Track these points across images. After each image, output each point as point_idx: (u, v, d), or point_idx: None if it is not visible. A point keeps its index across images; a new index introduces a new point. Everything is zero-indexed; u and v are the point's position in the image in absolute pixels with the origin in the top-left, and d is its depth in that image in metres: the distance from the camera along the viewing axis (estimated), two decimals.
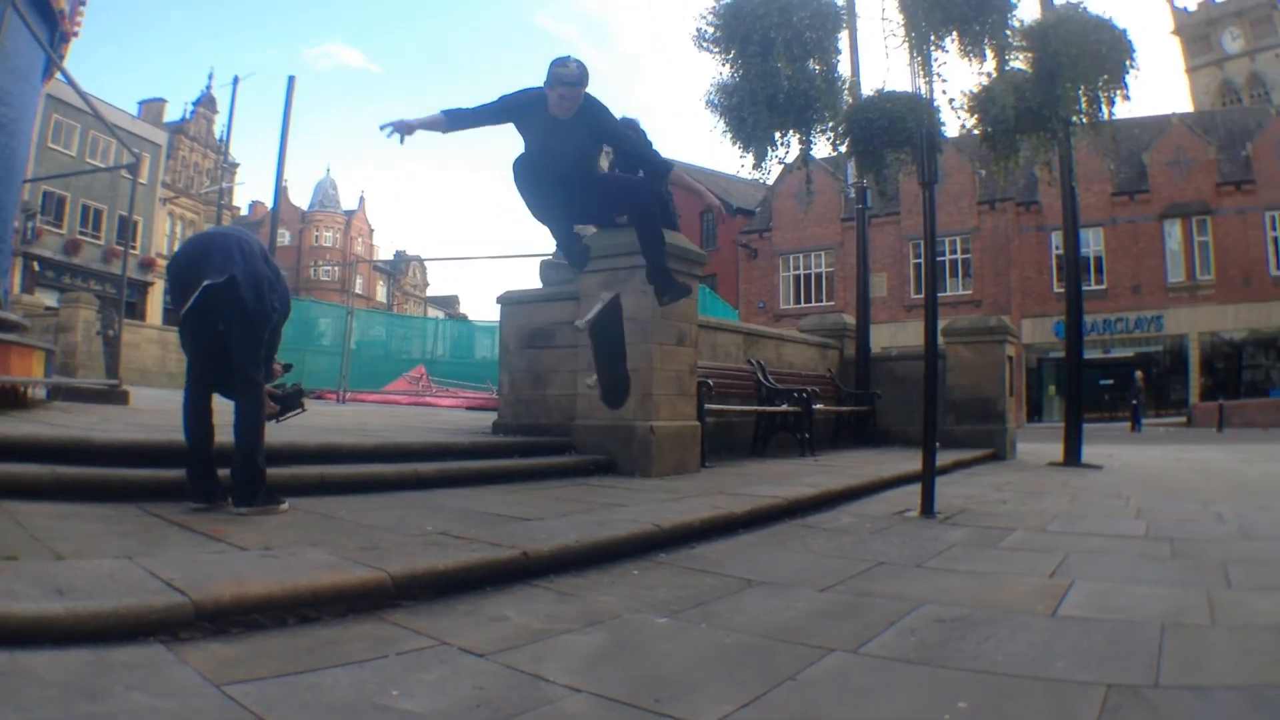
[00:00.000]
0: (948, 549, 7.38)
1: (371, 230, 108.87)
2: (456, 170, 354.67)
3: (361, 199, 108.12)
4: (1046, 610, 5.31)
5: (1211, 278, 49.06)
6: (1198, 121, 54.56)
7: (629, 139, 9.18)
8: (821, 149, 14.44)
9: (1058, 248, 45.96)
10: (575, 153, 8.51)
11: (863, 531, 8.22)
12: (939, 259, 50.37)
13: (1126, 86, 13.70)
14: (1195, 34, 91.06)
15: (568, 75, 8.10)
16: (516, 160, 8.50)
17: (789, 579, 6.05)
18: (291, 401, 8.17)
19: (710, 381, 12.90)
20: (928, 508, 9.24)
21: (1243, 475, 15.69)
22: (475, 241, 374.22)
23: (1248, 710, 3.66)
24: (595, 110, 8.48)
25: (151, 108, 65.65)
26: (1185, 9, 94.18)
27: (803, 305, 54.12)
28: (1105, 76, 13.51)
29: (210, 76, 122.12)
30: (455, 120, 8.11)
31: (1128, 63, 13.62)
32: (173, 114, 68.19)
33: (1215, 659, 4.37)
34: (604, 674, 3.94)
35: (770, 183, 28.45)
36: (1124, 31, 13.63)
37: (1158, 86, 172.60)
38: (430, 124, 8.05)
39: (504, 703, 3.52)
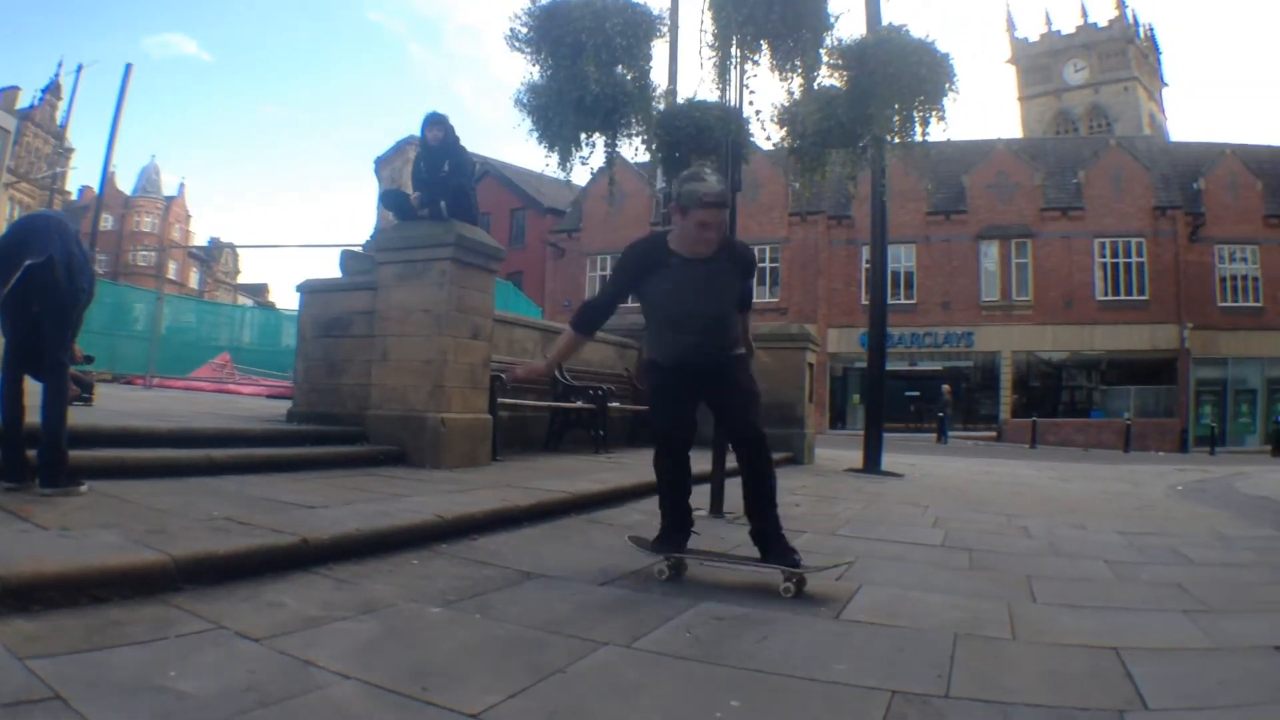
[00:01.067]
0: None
1: (189, 217, 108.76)
2: (278, 158, 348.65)
3: (182, 186, 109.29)
4: (831, 613, 5.54)
5: (1029, 299, 51.25)
6: (1026, 148, 57.09)
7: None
8: (636, 154, 14.95)
9: (867, 261, 47.56)
10: (723, 312, 6.31)
11: (648, 529, 8.22)
12: None
13: (944, 109, 14.33)
14: (1034, 64, 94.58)
15: (712, 193, 5.77)
16: (653, 363, 6.48)
17: (568, 573, 6.26)
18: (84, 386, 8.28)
19: (504, 376, 12.95)
20: (717, 507, 9.62)
21: (1057, 492, 16.37)
22: (290, 230, 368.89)
23: None
24: (736, 244, 6.30)
25: (9, 95, 65.59)
26: (1026, 39, 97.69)
27: None
28: (922, 97, 14.11)
29: (59, 65, 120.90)
30: (588, 324, 6.26)
31: (947, 86, 14.26)
32: (26, 102, 68.43)
33: (1016, 674, 4.54)
34: (374, 662, 4.08)
35: (580, 183, 28.77)
36: (946, 56, 14.19)
37: (995, 113, 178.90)
38: (569, 347, 6.49)
39: (274, 687, 3.63)
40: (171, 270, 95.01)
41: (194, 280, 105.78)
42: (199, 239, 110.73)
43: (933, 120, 14.46)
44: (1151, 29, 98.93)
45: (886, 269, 20.11)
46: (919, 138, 14.60)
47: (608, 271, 56.21)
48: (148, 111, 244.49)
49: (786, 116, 14.17)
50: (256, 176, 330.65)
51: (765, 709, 3.82)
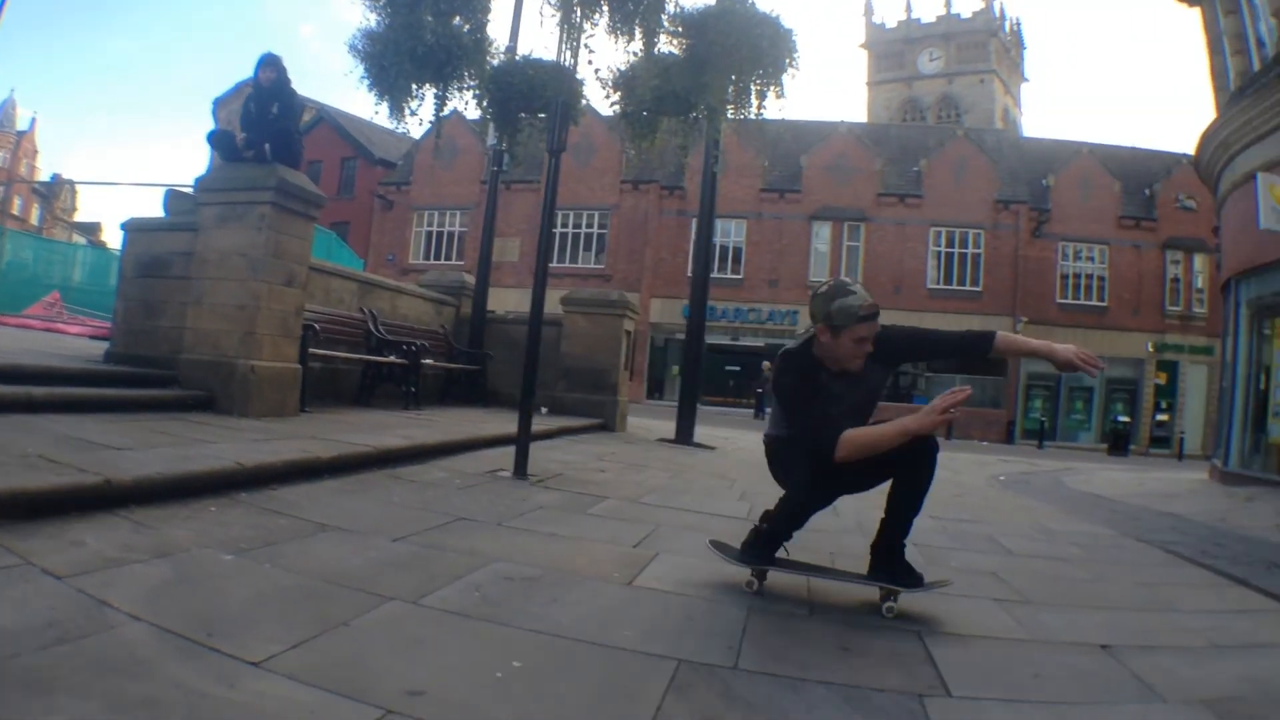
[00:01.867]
0: (533, 510, 7.84)
1: (37, 152, 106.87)
2: (126, 95, 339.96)
3: (33, 120, 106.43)
4: (624, 579, 5.71)
5: (858, 281, 51.52)
6: (869, 133, 58.46)
7: None
8: (467, 108, 15.20)
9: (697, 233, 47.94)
10: (871, 409, 6.05)
11: (450, 487, 8.62)
12: (576, 231, 52.58)
13: (783, 85, 14.77)
14: (888, 50, 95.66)
15: (867, 304, 5.66)
16: (809, 494, 5.95)
17: (364, 527, 6.38)
18: None
19: (317, 326, 13.17)
20: (521, 469, 9.82)
21: None
22: (132, 168, 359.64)
23: (846, 710, 3.91)
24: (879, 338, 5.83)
25: None
26: (883, 24, 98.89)
27: (433, 262, 54.05)
28: (761, 71, 14.52)
29: None
30: (839, 436, 5.36)
31: (788, 61, 14.65)
32: None
33: (811, 650, 4.70)
34: (165, 605, 4.16)
35: (416, 136, 28.71)
36: (790, 31, 14.55)
37: (847, 96, 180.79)
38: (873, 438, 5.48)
39: (72, 625, 3.76)
40: (16, 206, 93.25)
41: (35, 217, 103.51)
42: (44, 175, 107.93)
43: (770, 95, 14.88)
44: (1018, 23, 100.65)
45: (715, 242, 20.45)
46: (754, 112, 14.98)
47: (435, 228, 56.14)
48: (12, 43, 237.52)
49: (622, 81, 14.51)
50: (104, 112, 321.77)
51: (546, 671, 3.97)
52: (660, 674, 4.04)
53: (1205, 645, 5.63)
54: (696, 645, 4.50)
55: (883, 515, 5.95)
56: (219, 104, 70.98)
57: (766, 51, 14.55)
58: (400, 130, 14.42)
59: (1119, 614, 6.23)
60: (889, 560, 5.83)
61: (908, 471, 5.79)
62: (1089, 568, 8.24)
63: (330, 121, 61.50)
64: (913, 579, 5.75)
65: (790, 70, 14.97)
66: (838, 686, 4.14)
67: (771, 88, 14.97)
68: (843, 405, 5.65)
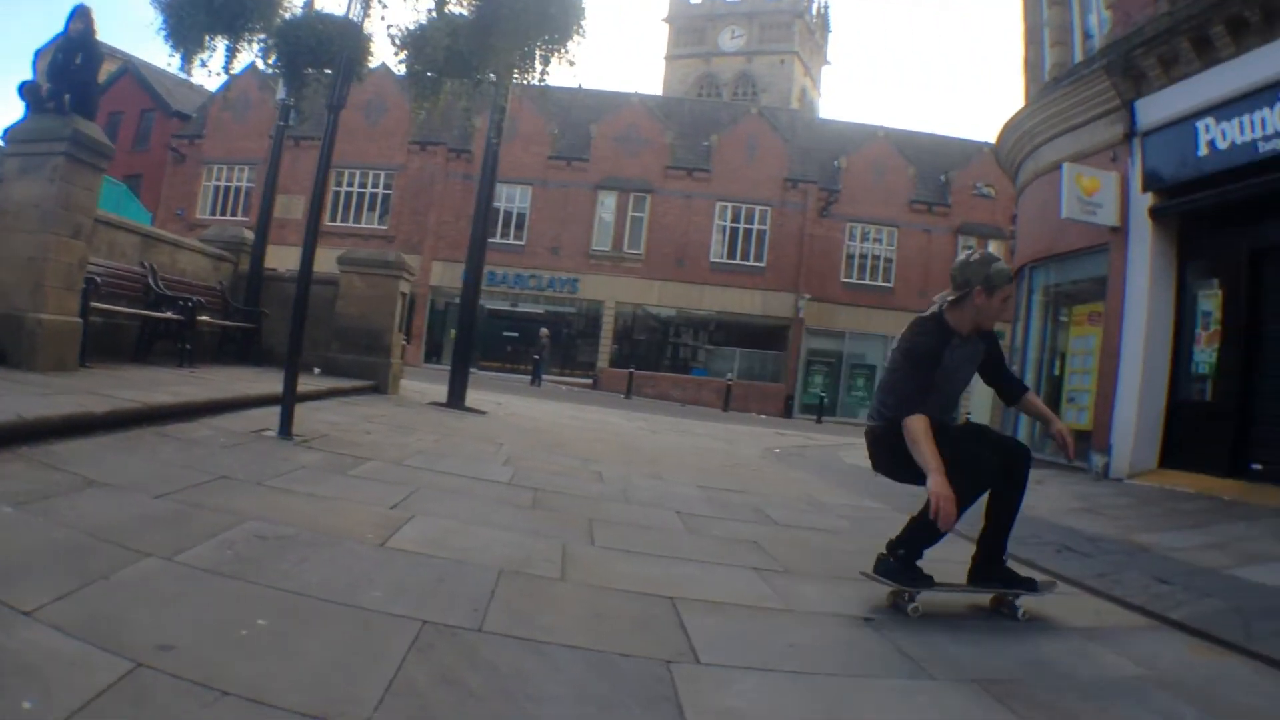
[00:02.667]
0: (295, 470, 7.93)
1: None
2: None
3: None
4: (377, 540, 5.84)
5: (640, 252, 53.18)
6: (661, 106, 59.04)
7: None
8: (258, 61, 15.08)
9: (497, 198, 47.66)
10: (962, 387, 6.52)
11: (215, 445, 8.71)
12: (362, 190, 52.22)
13: (569, 51, 14.99)
14: (690, 25, 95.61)
15: (1012, 269, 5.90)
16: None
17: (129, 483, 6.42)
18: None
19: (99, 280, 12.94)
20: (285, 429, 9.92)
21: (644, 442, 17.02)
22: None
23: (589, 676, 4.03)
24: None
25: None
26: (689, 1, 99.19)
27: (221, 217, 52.66)
28: (547, 37, 14.69)
29: None
30: (923, 404, 5.85)
31: (576, 28, 14.86)
32: None
33: (558, 615, 4.82)
34: None
35: (208, 88, 28.09)
36: None
37: (648, 69, 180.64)
38: (932, 445, 5.70)
39: None
40: None
41: None
42: None
43: (554, 61, 15.14)
44: (826, 7, 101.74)
45: (499, 208, 20.48)
46: (538, 78, 15.27)
47: (225, 183, 55.01)
48: None
49: (411, 40, 14.48)
50: None
51: (292, 629, 4.06)
52: (404, 635, 4.16)
53: (983, 624, 5.94)
54: (442, 607, 4.63)
55: (983, 525, 6.36)
56: (39, 54, 68.46)
57: (555, 17, 14.73)
58: (197, 84, 14.41)
59: (884, 588, 6.29)
60: (991, 564, 6.33)
61: (1008, 485, 6.21)
62: (856, 540, 8.45)
63: (135, 73, 59.50)
64: (1025, 583, 6.25)
65: (577, 37, 15.20)
66: (584, 651, 4.29)
67: (557, 54, 15.19)
68: (963, 369, 6.30)
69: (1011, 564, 6.44)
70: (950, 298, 6.24)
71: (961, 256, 6.45)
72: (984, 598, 6.31)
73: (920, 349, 6.10)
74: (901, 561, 6.05)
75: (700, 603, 5.46)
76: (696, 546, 7.29)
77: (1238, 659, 5.57)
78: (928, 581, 6.01)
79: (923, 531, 5.95)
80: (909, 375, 6.04)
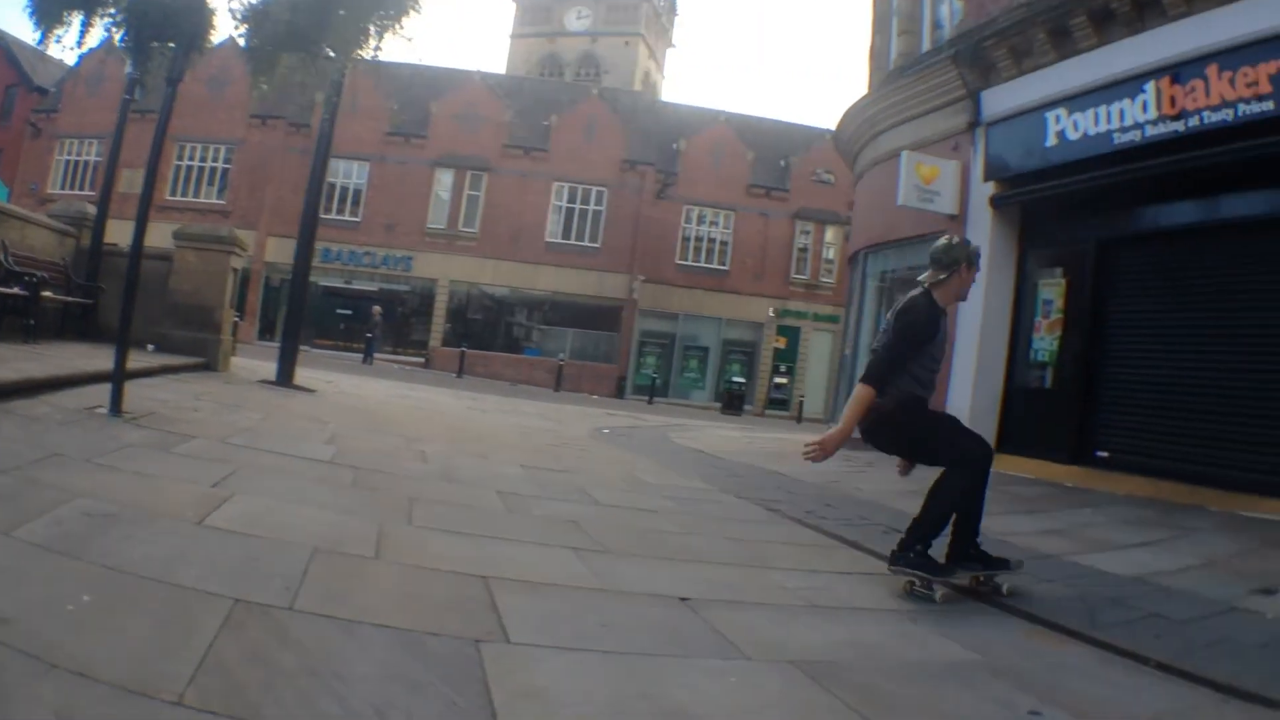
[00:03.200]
0: (123, 448, 7.80)
1: None
2: None
3: None
4: (197, 518, 5.77)
5: (475, 231, 52.88)
6: (502, 84, 58.62)
7: None
8: (108, 34, 14.69)
9: (334, 174, 47.06)
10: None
11: (52, 422, 8.56)
12: (202, 164, 51.25)
13: (403, 26, 15.05)
14: (536, 4, 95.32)
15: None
16: (918, 399, 6.80)
17: None
18: None
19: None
20: (115, 407, 9.69)
21: (471, 422, 17.00)
22: None
23: (397, 655, 4.02)
24: None
25: None
26: None
27: (73, 191, 51.11)
28: (383, 12, 14.70)
29: None
30: (882, 380, 6.57)
31: (412, 5, 14.91)
32: None
33: (371, 594, 4.83)
34: None
35: (68, 62, 27.22)
36: None
37: (495, 47, 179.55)
38: (859, 414, 6.54)
39: None
40: None
41: None
42: None
43: (388, 36, 15.26)
44: None
45: (335, 183, 20.27)
46: (371, 53, 15.36)
47: (78, 156, 53.66)
48: None
49: (252, 14, 14.39)
50: None
51: (112, 605, 4.04)
52: (217, 612, 4.12)
53: (803, 605, 5.92)
54: (256, 585, 4.58)
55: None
56: None
57: None
58: (59, 59, 14.19)
59: (705, 568, 6.48)
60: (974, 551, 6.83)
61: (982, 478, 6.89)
62: (679, 521, 8.60)
63: (4, 47, 57.73)
64: (1001, 563, 6.78)
65: (413, 12, 15.27)
66: (394, 630, 4.27)
67: (392, 29, 15.22)
68: (946, 338, 7.08)
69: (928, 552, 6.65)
70: (940, 277, 6.84)
71: (942, 241, 6.99)
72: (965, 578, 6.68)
73: (922, 326, 6.70)
74: (920, 555, 6.52)
75: (514, 582, 5.46)
76: (515, 526, 7.31)
77: (1081, 647, 5.58)
78: (950, 571, 6.58)
79: (930, 527, 6.53)
80: (901, 353, 6.63)
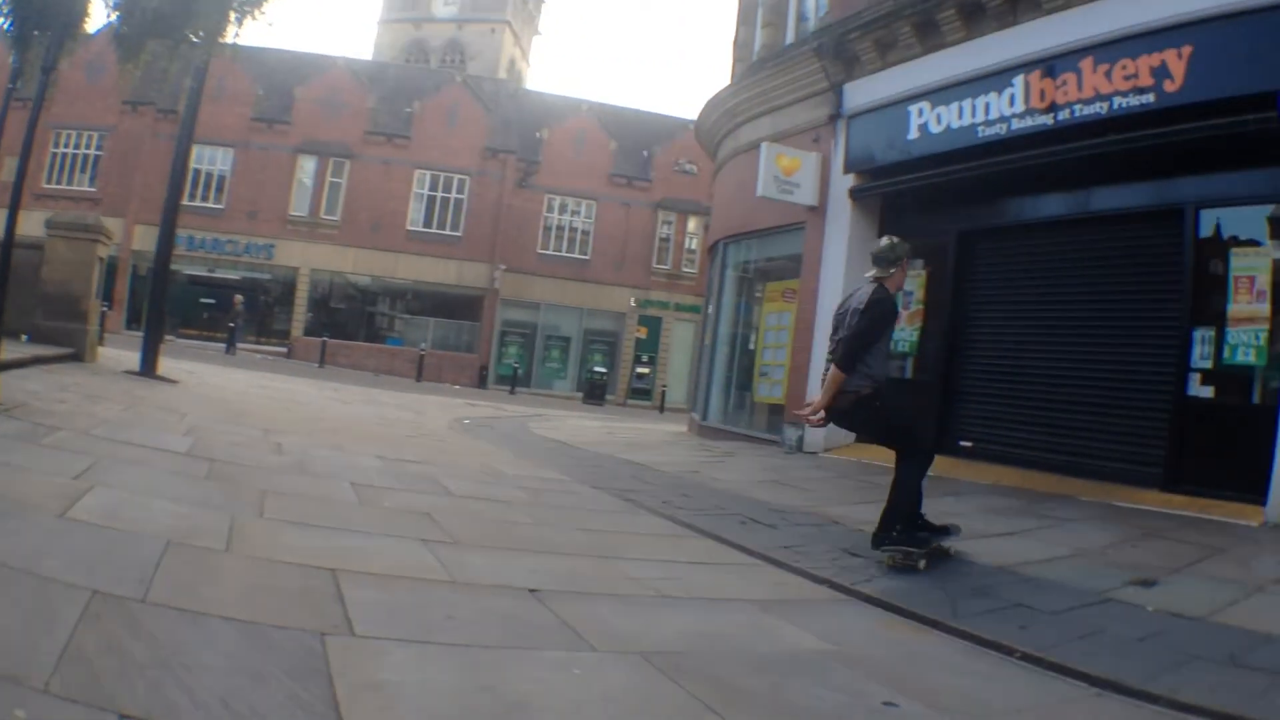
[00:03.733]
0: None
1: None
2: None
3: None
4: (58, 510, 5.72)
5: (337, 219, 51.97)
6: (366, 70, 57.59)
7: None
8: None
9: (199, 160, 46.49)
10: None
11: None
12: (76, 151, 50.08)
13: (262, 8, 14.90)
14: None
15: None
16: (879, 387, 7.72)
17: None
18: None
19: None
20: None
21: (331, 413, 16.92)
22: None
23: (244, 647, 4.03)
24: None
25: None
26: None
27: None
28: None
29: None
30: (851, 364, 7.59)
31: None
32: None
33: (220, 586, 4.83)
34: None
35: None
36: None
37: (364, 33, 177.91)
38: (833, 392, 7.68)
39: None
40: None
41: None
42: None
43: (249, 21, 15.20)
44: None
45: (200, 169, 20.06)
46: (230, 37, 15.22)
47: None
48: None
49: (122, 1, 14.15)
50: None
51: None
52: (76, 603, 4.12)
53: (652, 595, 5.95)
54: (112, 577, 4.57)
55: None
56: None
57: None
58: None
59: (556, 559, 6.53)
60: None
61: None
62: (532, 512, 8.64)
63: None
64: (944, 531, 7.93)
65: None
66: (241, 623, 4.27)
67: (252, 13, 15.10)
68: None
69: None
70: (889, 273, 7.90)
71: (884, 241, 8.07)
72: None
73: (888, 315, 7.89)
74: (902, 533, 7.45)
75: (362, 575, 5.46)
76: (367, 518, 7.33)
77: (940, 637, 5.68)
78: (928, 541, 7.57)
79: (906, 507, 7.59)
80: (872, 339, 7.62)
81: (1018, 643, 5.40)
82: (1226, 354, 10.77)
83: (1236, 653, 5.25)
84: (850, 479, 12.81)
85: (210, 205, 50.19)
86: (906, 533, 7.41)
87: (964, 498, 11.00)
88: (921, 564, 7.23)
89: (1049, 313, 13.10)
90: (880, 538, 7.47)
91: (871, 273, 7.91)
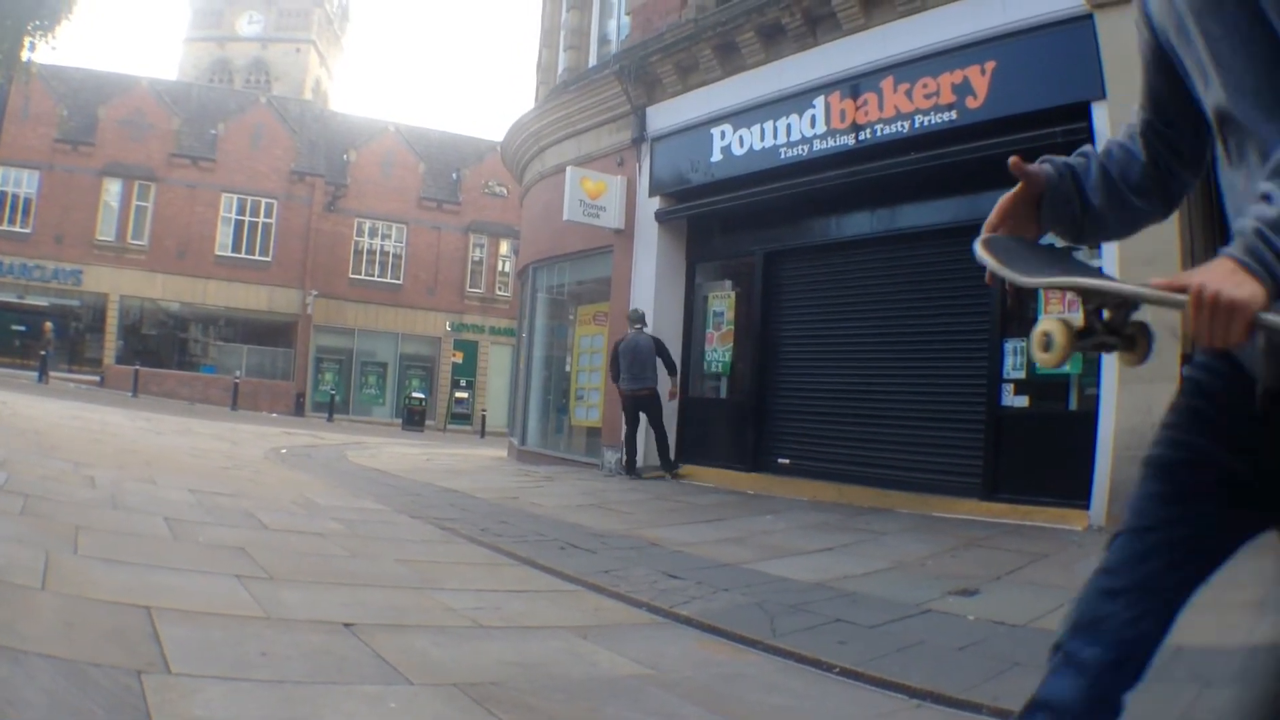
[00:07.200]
0: None
1: None
2: None
3: None
4: None
5: (145, 244, 50.77)
6: (170, 90, 56.20)
7: None
8: None
9: (3, 182, 45.29)
10: None
11: None
12: None
13: (56, 35, 15.01)
14: (208, 7, 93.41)
15: None
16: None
17: None
18: None
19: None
20: None
21: (144, 444, 16.43)
22: None
23: (62, 684, 3.85)
24: None
25: None
26: None
27: None
28: (37, 22, 14.47)
29: None
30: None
31: (64, 12, 14.76)
32: None
33: (36, 624, 4.61)
34: None
35: None
36: None
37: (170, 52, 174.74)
38: None
39: None
40: None
41: None
42: None
43: (39, 44, 15.24)
44: None
45: (3, 192, 19.61)
46: (27, 58, 15.31)
47: None
48: None
49: None
50: None
51: None
52: None
53: (469, 625, 5.88)
54: None
55: None
56: None
57: (46, 2, 14.73)
58: None
59: (372, 591, 6.48)
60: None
61: None
62: (348, 544, 8.49)
63: None
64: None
65: (65, 19, 15.19)
66: (60, 660, 4.08)
67: (45, 37, 15.18)
68: None
69: None
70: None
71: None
72: None
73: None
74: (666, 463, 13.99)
75: (177, 612, 5.23)
76: (180, 554, 7.03)
77: (758, 656, 5.59)
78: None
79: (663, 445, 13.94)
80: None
81: (836, 658, 5.36)
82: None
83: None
84: (670, 500, 12.87)
85: (17, 229, 48.70)
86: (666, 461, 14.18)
87: (782, 515, 11.09)
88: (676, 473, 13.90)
89: (861, 329, 13.29)
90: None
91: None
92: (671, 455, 15.37)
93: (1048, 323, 2.00)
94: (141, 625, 4.83)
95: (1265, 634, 5.15)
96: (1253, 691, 2.67)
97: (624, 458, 15.73)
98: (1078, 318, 2.06)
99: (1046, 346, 2.01)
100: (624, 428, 15.92)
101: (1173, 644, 2.03)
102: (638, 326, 15.68)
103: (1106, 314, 2.04)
